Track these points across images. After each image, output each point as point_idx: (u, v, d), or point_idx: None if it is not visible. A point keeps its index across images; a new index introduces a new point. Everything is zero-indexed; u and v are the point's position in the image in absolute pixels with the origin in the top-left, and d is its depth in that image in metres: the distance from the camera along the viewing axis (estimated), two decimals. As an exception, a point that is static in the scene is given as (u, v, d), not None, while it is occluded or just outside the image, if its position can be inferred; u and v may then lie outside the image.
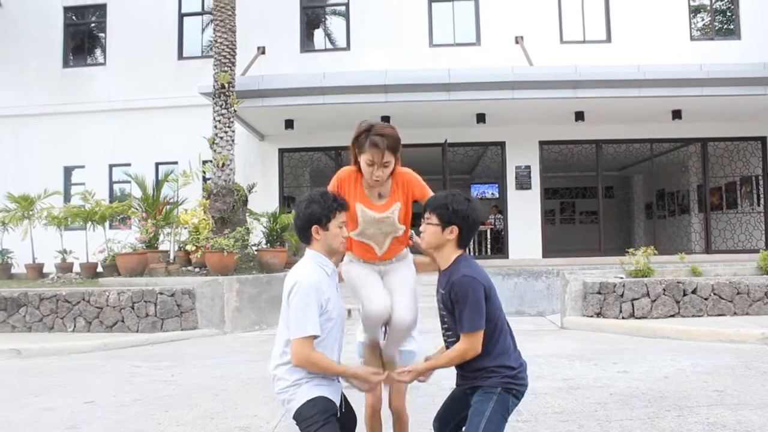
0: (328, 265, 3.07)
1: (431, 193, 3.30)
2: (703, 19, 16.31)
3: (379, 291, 3.31)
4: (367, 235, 3.28)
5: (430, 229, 3.01)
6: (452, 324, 2.99)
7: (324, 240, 3.04)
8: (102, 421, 5.32)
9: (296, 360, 2.89)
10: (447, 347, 3.09)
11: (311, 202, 3.02)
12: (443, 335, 3.12)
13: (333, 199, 3.04)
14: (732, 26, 15.98)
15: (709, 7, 16.19)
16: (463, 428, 3.03)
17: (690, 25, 15.85)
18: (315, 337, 2.89)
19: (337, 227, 3.04)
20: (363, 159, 3.16)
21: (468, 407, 3.00)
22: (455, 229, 2.98)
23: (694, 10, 16.09)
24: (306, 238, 3.08)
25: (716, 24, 16.24)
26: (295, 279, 2.94)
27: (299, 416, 2.93)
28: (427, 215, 3.03)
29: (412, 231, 3.47)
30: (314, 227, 3.01)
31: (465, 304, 2.86)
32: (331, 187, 3.30)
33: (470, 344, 2.88)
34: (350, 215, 3.21)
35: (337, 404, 3.03)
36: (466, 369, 3.03)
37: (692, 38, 15.77)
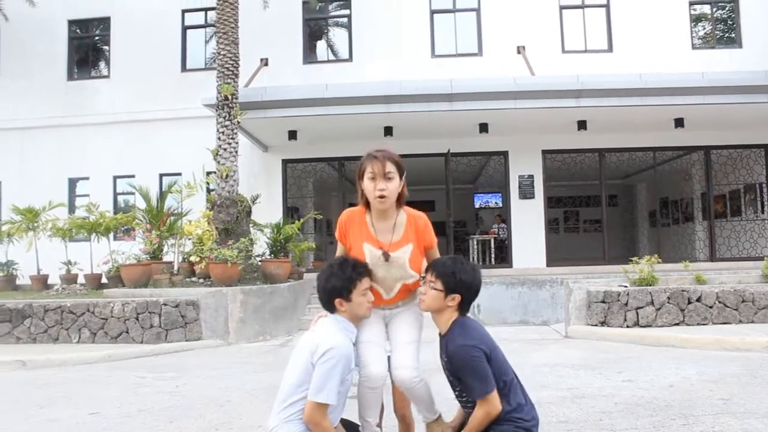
0: (353, 333, 3.08)
1: (436, 249, 3.27)
2: (704, 28, 16.35)
3: (379, 353, 3.19)
4: (375, 279, 3.14)
5: (432, 293, 3.01)
6: (464, 388, 3.00)
7: (348, 310, 3.05)
8: (107, 433, 5.32)
9: (306, 419, 2.89)
10: (464, 408, 3.11)
11: (330, 276, 3.02)
12: (457, 399, 3.13)
13: (352, 268, 3.02)
14: (733, 35, 16.02)
15: (710, 16, 16.23)
16: None
17: (691, 33, 15.90)
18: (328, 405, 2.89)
19: (361, 295, 3.03)
20: (366, 177, 3.08)
21: None
22: (458, 297, 3.01)
23: (695, 19, 16.14)
24: (331, 309, 3.08)
25: (717, 32, 16.28)
26: (331, 345, 2.90)
27: None
28: (431, 278, 3.02)
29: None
30: (337, 300, 3.02)
31: (468, 373, 2.89)
32: (337, 234, 3.24)
33: (488, 407, 2.89)
34: (358, 257, 3.14)
35: None
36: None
37: (694, 47, 15.81)
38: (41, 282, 13.02)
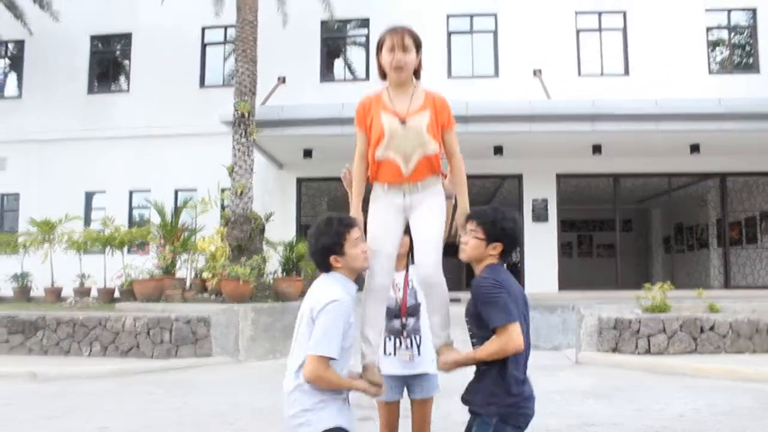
0: (353, 290, 3.03)
1: (454, 133, 3.29)
2: (721, 53, 16.33)
3: (388, 265, 3.18)
4: (392, 147, 3.11)
5: (473, 242, 2.97)
6: (477, 331, 2.94)
7: (345, 264, 3.00)
8: (114, 449, 5.35)
9: (308, 375, 2.81)
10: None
11: (319, 235, 3.00)
12: (471, 339, 3.05)
13: (338, 222, 3.00)
14: (751, 60, 15.98)
15: (727, 41, 16.22)
16: None
17: (708, 58, 15.88)
18: (331, 359, 2.83)
19: (353, 247, 2.99)
20: (384, 49, 3.13)
21: None
22: (499, 246, 2.96)
23: (713, 44, 16.13)
24: (327, 268, 3.03)
25: (735, 58, 16.26)
26: (331, 297, 2.86)
27: None
28: (472, 227, 2.99)
29: (444, 162, 3.33)
30: (332, 257, 2.99)
31: (487, 304, 2.82)
32: (356, 121, 3.26)
33: (507, 338, 2.78)
34: (377, 129, 3.13)
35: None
36: (470, 384, 2.98)
37: (710, 72, 15.78)
38: (55, 294, 13.12)
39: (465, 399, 2.98)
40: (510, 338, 2.77)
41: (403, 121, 3.09)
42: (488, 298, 2.82)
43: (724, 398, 6.95)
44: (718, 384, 7.81)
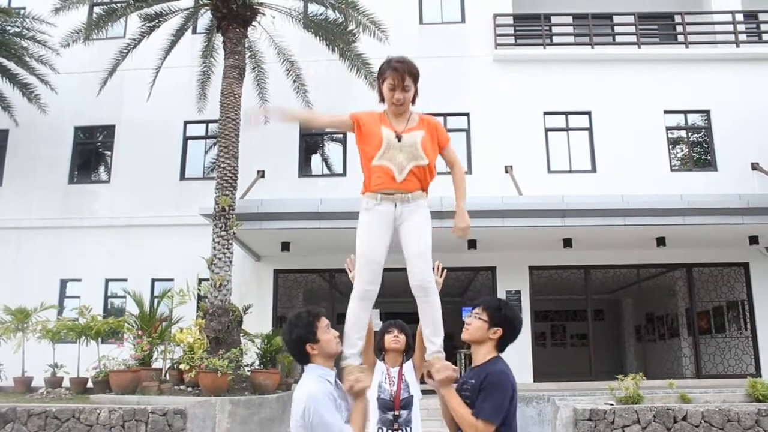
0: (330, 376, 3.21)
1: (452, 147, 3.67)
2: (681, 151, 17.19)
3: (376, 272, 3.40)
4: (388, 157, 3.40)
5: (477, 323, 3.22)
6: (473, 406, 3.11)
7: (320, 350, 3.19)
8: None
9: None
10: None
11: (293, 328, 3.21)
12: None
13: (307, 314, 3.23)
14: (709, 157, 16.84)
15: (686, 140, 17.12)
16: None
17: (669, 156, 16.69)
18: None
19: (325, 333, 3.20)
20: (385, 85, 3.44)
21: None
22: (500, 331, 3.22)
23: (673, 143, 17.00)
24: (305, 358, 3.22)
25: (694, 155, 17.12)
26: (305, 395, 3.04)
27: None
28: (477, 310, 3.25)
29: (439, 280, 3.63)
30: (307, 346, 3.19)
31: (492, 394, 3.05)
32: (348, 115, 3.55)
33: (477, 429, 3.01)
34: (375, 138, 3.42)
35: None
36: None
37: (672, 169, 16.56)
38: (25, 384, 12.87)
39: None
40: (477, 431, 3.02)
41: (399, 137, 3.43)
42: (497, 390, 3.08)
43: (698, 489, 7.05)
44: (692, 475, 7.91)
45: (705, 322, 17.13)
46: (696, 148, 17.24)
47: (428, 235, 3.53)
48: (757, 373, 14.43)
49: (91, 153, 18.05)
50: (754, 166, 16.07)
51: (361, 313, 3.44)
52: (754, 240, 14.68)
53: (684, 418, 9.58)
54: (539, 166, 16.32)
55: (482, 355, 3.26)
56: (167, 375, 12.10)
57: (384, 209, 3.46)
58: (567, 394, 11.71)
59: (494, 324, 3.21)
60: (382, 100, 3.59)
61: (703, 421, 9.56)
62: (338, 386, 3.26)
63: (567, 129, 16.86)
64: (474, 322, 3.25)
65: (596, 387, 12.53)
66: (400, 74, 3.44)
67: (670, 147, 16.85)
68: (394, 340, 3.65)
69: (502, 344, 3.28)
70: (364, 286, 3.41)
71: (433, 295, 3.45)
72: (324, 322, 3.25)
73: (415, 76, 3.51)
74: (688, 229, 13.81)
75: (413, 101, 3.61)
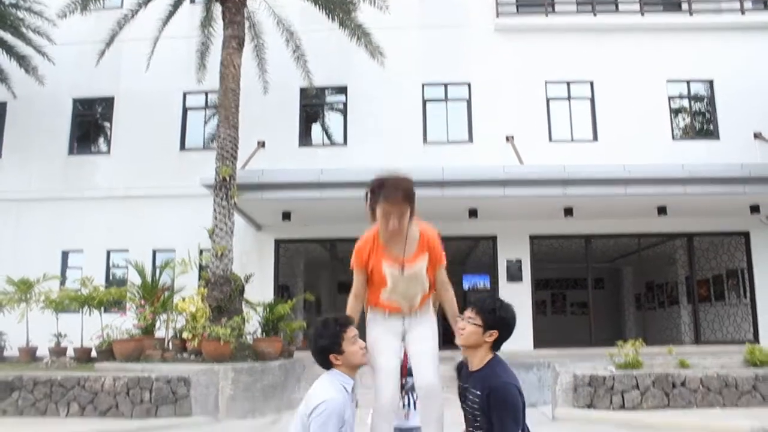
0: (349, 384, 3.22)
1: (444, 270, 3.44)
2: (684, 120, 17.11)
3: (393, 379, 3.33)
4: (397, 293, 3.30)
5: (470, 328, 3.12)
6: (485, 425, 3.03)
7: (344, 362, 3.21)
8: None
9: None
10: None
11: (318, 337, 3.22)
12: None
13: (335, 322, 3.22)
14: (711, 127, 16.76)
15: (688, 110, 17.04)
16: None
17: (672, 125, 16.62)
18: None
19: (351, 345, 3.20)
20: (379, 211, 3.25)
21: None
22: (495, 333, 3.13)
23: (675, 112, 16.91)
24: (328, 366, 3.25)
25: (696, 125, 17.04)
26: (322, 398, 3.07)
27: None
28: (470, 314, 3.14)
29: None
30: (331, 356, 3.21)
31: (506, 412, 2.94)
32: (355, 261, 3.40)
33: None
34: (378, 277, 3.30)
35: None
36: None
37: (674, 138, 16.51)
38: (29, 354, 12.98)
39: None
40: None
41: (402, 269, 3.29)
42: (511, 406, 2.96)
43: (695, 451, 7.16)
44: (690, 438, 8.03)
45: (705, 290, 17.22)
46: (698, 118, 17.16)
47: (435, 341, 3.43)
48: (756, 340, 14.53)
49: (90, 124, 17.99)
50: (757, 135, 16.02)
51: (386, 428, 3.35)
52: (755, 209, 14.67)
53: (683, 384, 9.68)
54: (541, 135, 16.27)
55: (479, 359, 3.18)
56: (170, 344, 12.21)
57: (393, 323, 3.43)
58: (567, 360, 11.79)
59: (489, 327, 3.12)
60: (373, 218, 3.37)
61: (701, 387, 9.66)
62: (354, 392, 3.29)
63: (569, 98, 16.76)
64: (468, 327, 3.14)
65: (596, 353, 12.62)
66: (397, 206, 3.26)
67: (673, 116, 16.77)
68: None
69: (498, 344, 3.20)
70: (385, 397, 3.32)
71: (438, 400, 3.33)
72: (351, 332, 3.24)
73: (411, 198, 3.32)
74: (689, 198, 13.79)
75: (411, 216, 3.38)
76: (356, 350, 3.22)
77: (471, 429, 3.19)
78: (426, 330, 3.40)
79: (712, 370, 10.06)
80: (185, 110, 17.27)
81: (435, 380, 3.25)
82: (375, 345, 3.40)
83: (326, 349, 3.19)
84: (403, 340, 3.43)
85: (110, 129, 17.51)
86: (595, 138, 16.36)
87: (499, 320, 3.13)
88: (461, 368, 3.29)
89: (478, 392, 3.05)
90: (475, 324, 3.12)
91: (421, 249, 3.35)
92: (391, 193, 3.25)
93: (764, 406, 9.55)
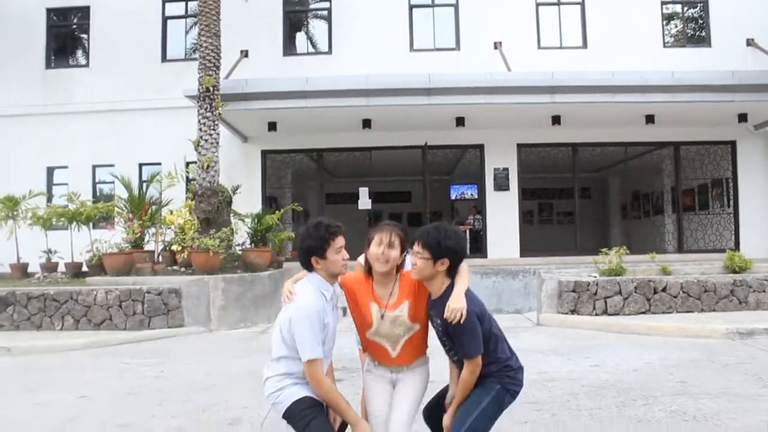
0: (328, 290, 3.27)
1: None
2: (675, 26, 16.76)
3: (384, 427, 3.39)
4: (381, 335, 3.37)
5: (421, 263, 3.20)
6: (453, 346, 3.23)
7: (324, 267, 3.24)
8: (98, 414, 5.55)
9: (310, 381, 3.14)
10: (454, 362, 3.37)
11: (306, 237, 3.23)
12: (447, 353, 3.38)
13: (326, 228, 3.23)
14: (703, 33, 16.45)
15: (681, 15, 16.67)
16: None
17: (663, 31, 16.28)
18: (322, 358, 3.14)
19: (335, 253, 3.23)
20: (373, 243, 3.33)
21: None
22: (446, 261, 3.20)
23: (667, 18, 16.53)
24: (309, 268, 3.29)
25: (688, 31, 16.72)
26: (298, 305, 3.14)
27: (289, 415, 3.18)
28: (418, 249, 3.20)
29: (407, 256, 3.50)
30: (313, 258, 3.23)
31: (464, 335, 3.11)
32: (346, 295, 3.45)
33: (474, 366, 3.15)
34: (365, 316, 3.37)
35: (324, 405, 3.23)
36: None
37: (665, 45, 16.20)
38: (21, 270, 13.07)
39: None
40: (476, 365, 3.16)
41: (390, 313, 3.34)
42: (468, 329, 3.11)
43: (674, 353, 7.43)
44: (669, 340, 8.30)
45: (689, 199, 17.39)
46: (691, 24, 16.80)
47: (418, 397, 3.45)
48: (737, 248, 14.79)
49: (66, 36, 17.37)
50: (750, 43, 15.75)
51: None
52: (743, 118, 14.61)
53: (664, 289, 9.96)
54: (529, 42, 15.91)
55: (437, 287, 3.26)
56: (160, 256, 12.30)
57: (382, 373, 3.48)
58: (553, 267, 12.04)
59: (438, 258, 3.18)
60: (370, 271, 3.41)
61: (681, 292, 9.95)
62: (333, 298, 3.33)
63: (558, 3, 16.30)
64: (419, 262, 3.21)
65: (581, 261, 12.89)
66: (388, 232, 3.31)
67: (664, 23, 16.40)
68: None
69: (452, 271, 3.26)
70: None
71: None
72: (339, 242, 3.26)
73: (401, 238, 3.36)
74: (677, 106, 13.71)
75: (397, 270, 3.41)
76: (338, 260, 3.25)
77: (446, 350, 3.36)
78: (413, 386, 3.46)
79: (693, 276, 10.35)
80: (165, 19, 16.66)
81: (403, 428, 3.34)
82: (368, 394, 3.52)
83: (311, 250, 3.22)
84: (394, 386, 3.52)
85: (88, 41, 16.93)
86: (585, 45, 16.03)
87: (445, 250, 3.19)
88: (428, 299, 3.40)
89: (439, 320, 3.20)
90: (423, 258, 3.20)
91: (402, 295, 3.41)
92: (387, 225, 3.40)
93: (740, 309, 9.91)
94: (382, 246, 3.30)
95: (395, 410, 3.38)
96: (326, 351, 3.26)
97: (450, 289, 3.22)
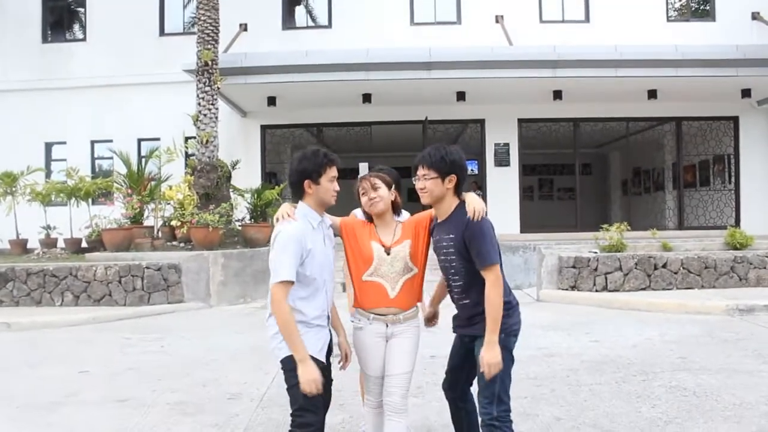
0: (315, 218, 3.22)
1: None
2: (679, 0, 16.56)
3: (380, 385, 3.43)
4: (380, 274, 3.36)
5: (430, 183, 3.18)
6: (460, 267, 3.20)
7: (315, 194, 3.20)
8: (99, 389, 5.56)
9: (272, 303, 3.05)
10: (454, 298, 3.35)
11: (303, 159, 3.20)
12: (450, 284, 3.34)
13: (324, 155, 3.21)
14: (708, 7, 16.25)
15: (685, -13, 16.47)
16: (475, 379, 3.27)
17: (667, 5, 16.09)
18: (291, 283, 3.04)
19: (328, 181, 3.20)
20: (361, 195, 3.39)
21: (471, 353, 3.24)
22: (454, 177, 3.20)
23: (672, -10, 16.35)
24: (299, 193, 3.24)
25: (692, 5, 16.51)
26: (279, 229, 3.12)
27: (285, 365, 3.12)
28: (424, 171, 3.20)
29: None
30: (306, 182, 3.18)
31: (483, 240, 3.10)
32: (343, 235, 3.46)
33: (494, 278, 3.09)
34: (366, 254, 3.36)
35: (322, 357, 3.18)
36: (461, 317, 3.31)
37: (669, 19, 16.01)
38: (20, 246, 13.05)
39: (461, 327, 3.35)
40: (497, 277, 3.10)
41: (387, 251, 3.34)
42: (487, 234, 3.12)
43: (674, 329, 7.43)
44: (669, 316, 8.31)
45: (691, 175, 17.31)
46: (695, -3, 16.62)
47: (413, 358, 3.44)
48: (737, 225, 14.74)
49: (63, 9, 17.13)
50: (755, 16, 15.56)
51: (375, 421, 3.50)
52: (746, 93, 14.50)
53: (664, 266, 9.95)
54: (531, 16, 15.71)
55: (446, 207, 3.26)
56: (159, 232, 12.28)
57: (376, 328, 3.40)
58: (553, 243, 12.01)
59: (445, 174, 3.18)
60: (370, 219, 3.45)
61: (681, 268, 9.94)
62: (321, 227, 3.28)
63: (561, -25, 16.10)
64: (428, 184, 3.20)
65: (582, 237, 12.86)
66: (366, 179, 3.38)
67: (669, -5, 16.20)
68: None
69: (459, 188, 3.26)
70: (377, 398, 3.46)
71: (401, 419, 3.35)
72: (334, 171, 3.25)
73: (384, 179, 3.39)
74: (680, 81, 13.58)
75: (396, 209, 3.46)
76: (330, 188, 3.23)
77: (449, 278, 3.33)
78: (408, 345, 3.43)
79: (693, 253, 10.33)
80: (162, -7, 16.48)
81: (400, 399, 3.35)
82: (360, 353, 3.49)
83: (306, 172, 3.18)
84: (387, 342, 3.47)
85: (84, 15, 16.73)
86: (587, 19, 15.83)
87: (451, 164, 3.19)
88: (433, 229, 3.38)
89: (452, 235, 3.18)
90: (431, 178, 3.20)
91: (404, 234, 3.43)
92: (365, 175, 3.46)
93: (740, 286, 9.91)
94: (367, 193, 3.35)
95: (396, 361, 3.37)
96: (320, 282, 3.21)
97: (459, 208, 3.22)
